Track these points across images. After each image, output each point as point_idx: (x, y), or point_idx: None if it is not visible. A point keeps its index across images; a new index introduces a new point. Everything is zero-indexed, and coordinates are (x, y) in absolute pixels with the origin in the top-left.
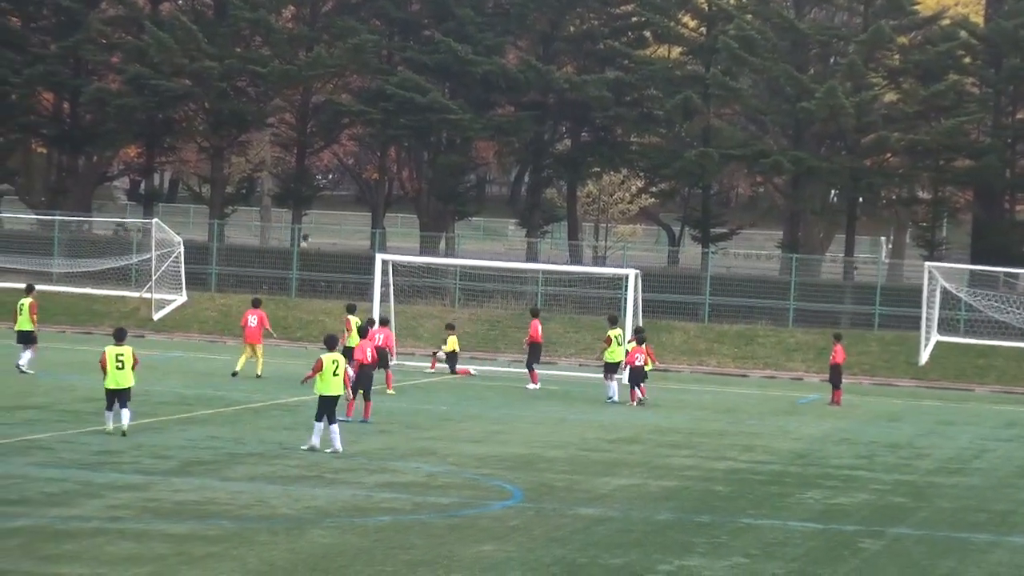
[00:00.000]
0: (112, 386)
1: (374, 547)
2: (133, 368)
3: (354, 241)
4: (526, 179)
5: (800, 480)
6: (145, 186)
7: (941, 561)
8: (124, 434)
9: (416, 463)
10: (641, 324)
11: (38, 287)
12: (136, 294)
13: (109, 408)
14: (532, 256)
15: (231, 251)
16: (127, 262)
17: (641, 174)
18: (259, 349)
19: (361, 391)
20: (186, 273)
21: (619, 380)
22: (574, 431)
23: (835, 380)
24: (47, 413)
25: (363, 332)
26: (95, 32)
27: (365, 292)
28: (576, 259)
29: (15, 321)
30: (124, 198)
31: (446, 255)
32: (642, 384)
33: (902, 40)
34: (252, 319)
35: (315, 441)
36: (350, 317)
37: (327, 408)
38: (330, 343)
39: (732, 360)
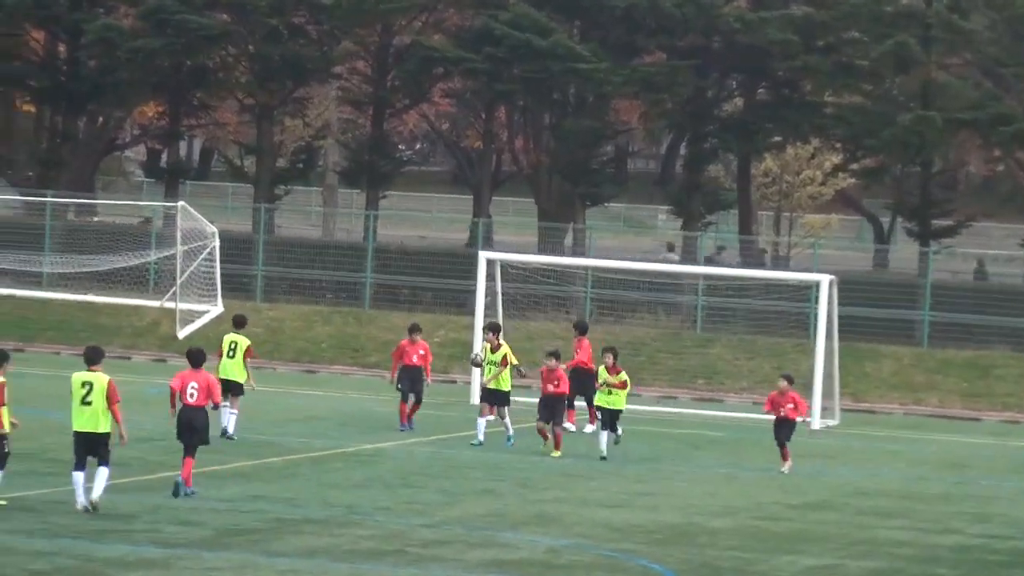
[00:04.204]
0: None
1: None
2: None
3: (450, 234)
4: (682, 152)
5: None
6: (168, 157)
7: None
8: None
9: (532, 535)
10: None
11: (20, 293)
12: (155, 303)
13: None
14: (690, 256)
15: (283, 245)
16: (143, 260)
17: (838, 146)
18: None
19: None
20: (222, 275)
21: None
22: (746, 492)
23: None
24: (29, 463)
25: (193, 359)
26: None
27: (465, 302)
28: (750, 260)
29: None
30: (140, 173)
31: (573, 254)
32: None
33: None
34: None
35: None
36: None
37: (82, 447)
38: (91, 354)
39: (960, 398)
